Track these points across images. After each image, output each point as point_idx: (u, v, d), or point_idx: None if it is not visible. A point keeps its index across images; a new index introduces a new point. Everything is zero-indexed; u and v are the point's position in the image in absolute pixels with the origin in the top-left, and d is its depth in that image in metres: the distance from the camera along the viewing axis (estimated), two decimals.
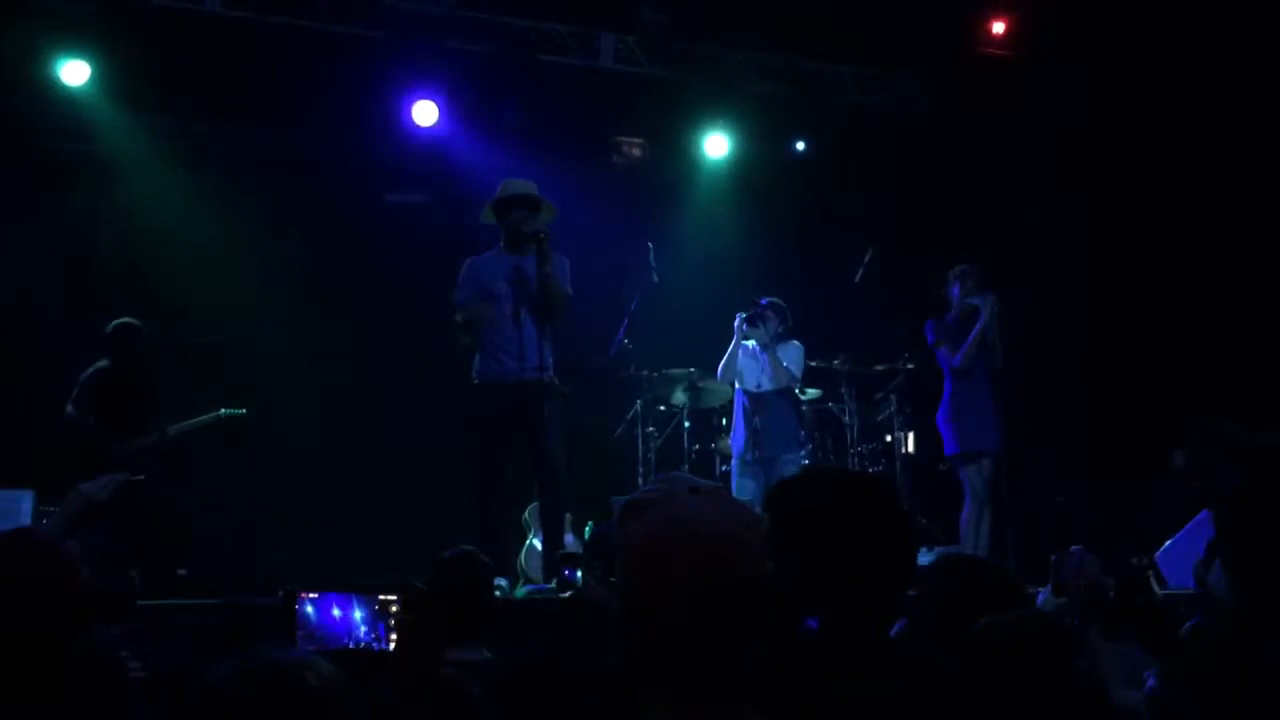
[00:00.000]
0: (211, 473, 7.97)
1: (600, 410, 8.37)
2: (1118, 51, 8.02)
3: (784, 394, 7.51)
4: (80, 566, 2.15)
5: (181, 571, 6.98)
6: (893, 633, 2.74)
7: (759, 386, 7.47)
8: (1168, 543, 5.90)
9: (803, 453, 7.90)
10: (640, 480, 8.23)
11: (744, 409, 7.50)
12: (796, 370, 7.50)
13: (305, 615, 1.95)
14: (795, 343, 7.58)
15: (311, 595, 1.95)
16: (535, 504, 6.70)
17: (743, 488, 7.28)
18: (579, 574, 5.68)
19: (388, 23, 8.00)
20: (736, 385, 7.55)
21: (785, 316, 7.54)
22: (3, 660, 2.03)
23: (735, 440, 7.58)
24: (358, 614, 1.99)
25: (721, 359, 7.53)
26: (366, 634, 1.96)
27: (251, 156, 8.34)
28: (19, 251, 7.77)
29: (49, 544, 2.14)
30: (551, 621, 5.40)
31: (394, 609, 1.99)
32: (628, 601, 1.66)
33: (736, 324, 7.44)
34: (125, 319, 6.79)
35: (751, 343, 7.55)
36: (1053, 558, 5.81)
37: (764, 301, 7.49)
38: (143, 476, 2.75)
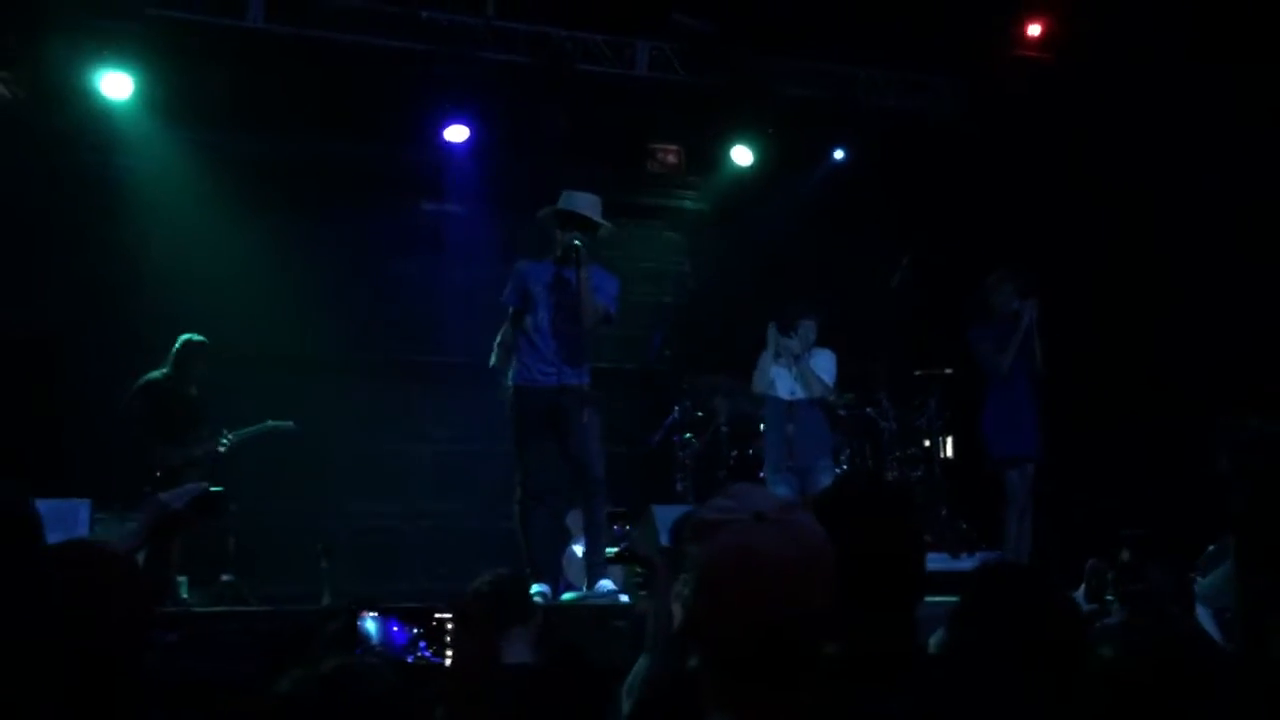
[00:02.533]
0: (250, 479, 8.08)
1: (639, 416, 8.41)
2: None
3: (818, 403, 7.45)
4: (145, 582, 2.15)
5: (226, 577, 7.10)
6: (932, 643, 2.75)
7: (793, 394, 7.42)
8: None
9: (840, 460, 7.89)
10: (678, 487, 8.27)
11: (778, 418, 7.46)
12: (829, 379, 7.44)
13: (366, 631, 1.99)
14: (827, 351, 7.52)
15: (372, 613, 2.00)
16: (575, 511, 6.75)
17: None
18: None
19: (425, 35, 8.06)
20: (770, 394, 7.50)
21: (818, 324, 7.49)
22: (65, 673, 2.06)
23: (769, 449, 7.55)
24: (415, 630, 2.04)
25: (756, 367, 7.52)
26: (424, 648, 2.01)
27: (293, 167, 8.43)
28: (68, 266, 7.89)
29: (118, 559, 2.14)
30: (591, 625, 5.46)
31: (449, 626, 2.04)
32: (692, 619, 1.68)
33: (770, 333, 7.42)
34: (193, 336, 6.93)
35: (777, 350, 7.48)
36: (1089, 563, 5.74)
37: (796, 310, 7.46)
38: (222, 488, 2.73)
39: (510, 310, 6.18)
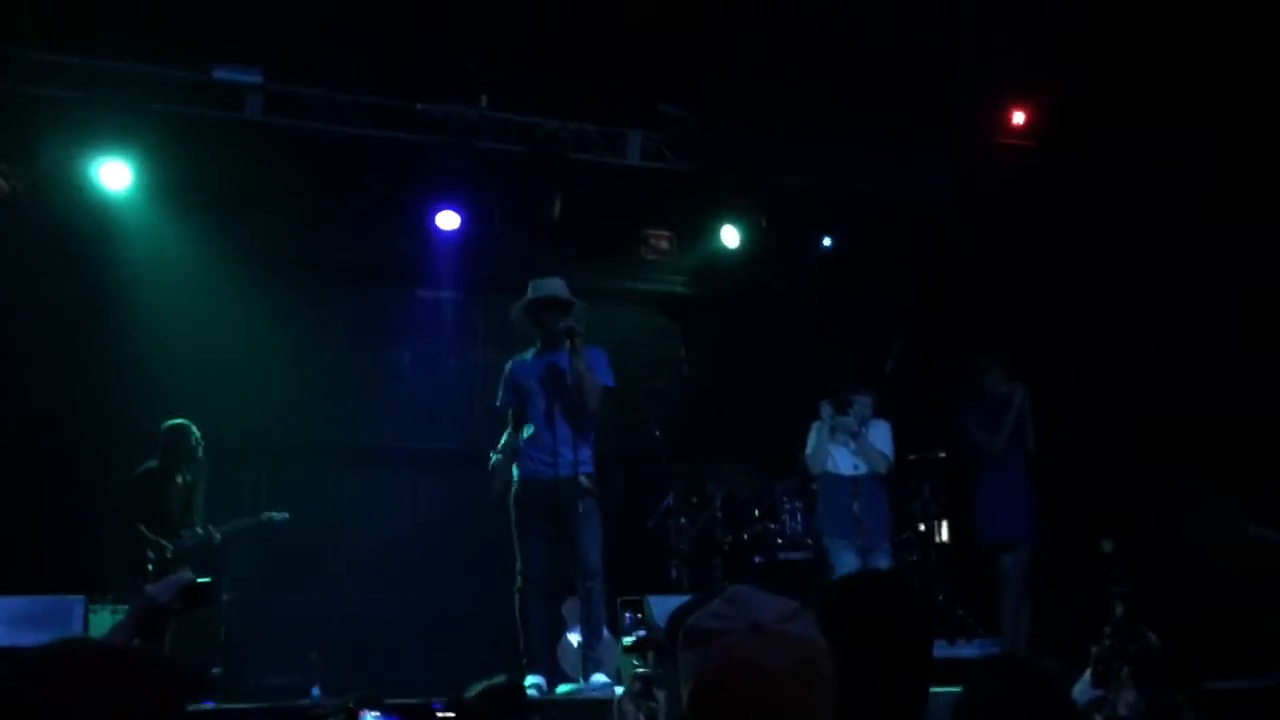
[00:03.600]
0: (242, 567, 8.03)
1: (633, 502, 8.39)
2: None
3: (878, 478, 7.36)
4: (185, 688, 2.00)
5: (215, 670, 7.02)
6: None
7: (856, 470, 7.29)
8: None
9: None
10: (673, 573, 8.23)
11: (843, 495, 7.26)
12: (888, 450, 7.36)
13: None
14: (883, 422, 7.45)
15: (373, 712, 1.99)
16: (571, 599, 6.71)
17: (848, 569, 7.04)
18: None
19: (421, 126, 8.18)
20: (831, 471, 7.33)
21: (874, 398, 7.43)
22: None
23: (833, 525, 7.32)
24: None
25: (807, 446, 7.39)
26: None
27: (289, 256, 8.50)
28: (62, 356, 7.90)
29: (156, 667, 1.90)
30: (590, 718, 5.41)
31: None
32: None
33: (823, 410, 7.33)
34: (176, 420, 6.95)
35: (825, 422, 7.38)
36: (1093, 649, 5.73)
37: (850, 385, 7.37)
38: (210, 579, 2.69)
39: (508, 413, 6.23)
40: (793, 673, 1.60)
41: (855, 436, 7.31)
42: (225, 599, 6.80)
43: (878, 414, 7.44)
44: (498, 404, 6.26)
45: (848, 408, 7.31)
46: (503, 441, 6.28)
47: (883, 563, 7.20)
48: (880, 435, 7.38)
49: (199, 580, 2.64)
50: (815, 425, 7.40)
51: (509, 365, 6.30)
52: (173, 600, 2.52)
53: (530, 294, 6.26)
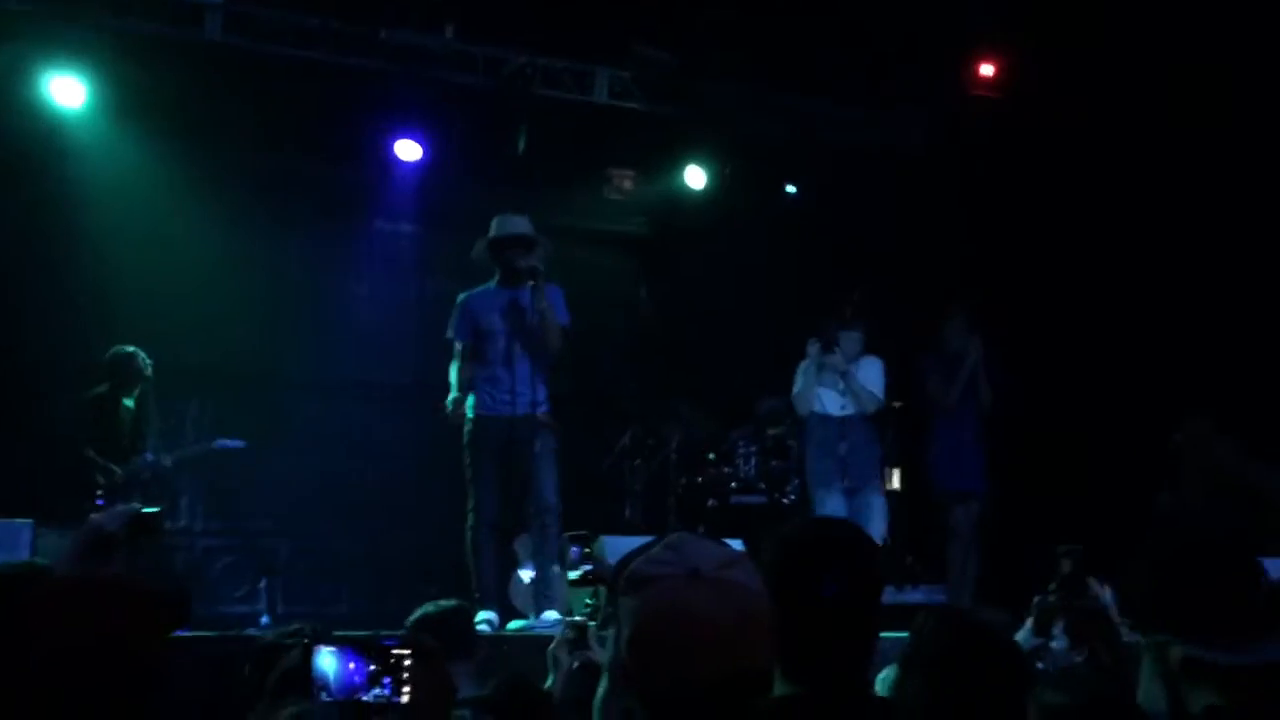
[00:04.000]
0: (195, 500, 7.99)
1: (590, 442, 8.40)
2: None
3: (868, 418, 7.24)
4: (174, 615, 1.95)
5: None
6: (879, 679, 2.77)
7: (844, 410, 7.18)
8: None
9: (788, 490, 7.89)
10: (628, 513, 8.28)
11: (828, 436, 7.19)
12: (878, 390, 7.21)
13: (322, 670, 1.98)
14: (875, 359, 7.27)
15: (328, 648, 1.99)
16: (524, 536, 6.72)
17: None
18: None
19: (385, 55, 8.04)
20: (817, 411, 7.25)
21: (864, 334, 7.24)
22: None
23: (817, 468, 7.25)
24: (372, 667, 2.03)
25: (794, 386, 7.29)
26: (387, 685, 2.00)
27: (248, 182, 8.35)
28: (10, 277, 7.74)
29: (147, 594, 1.91)
30: (539, 655, 5.44)
31: (407, 662, 2.03)
32: (625, 672, 1.68)
33: (810, 350, 7.21)
34: (124, 347, 6.84)
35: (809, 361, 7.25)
36: (1035, 599, 5.85)
37: (836, 325, 7.22)
38: (158, 509, 2.66)
39: (459, 346, 6.15)
40: (729, 619, 1.60)
41: (844, 375, 7.15)
42: (168, 528, 6.75)
43: (870, 350, 7.26)
44: (449, 334, 6.19)
45: (834, 345, 7.16)
46: (453, 376, 6.18)
47: (874, 501, 7.09)
48: (871, 374, 7.21)
49: (146, 509, 2.60)
50: (802, 365, 7.27)
51: (463, 297, 6.23)
52: (119, 529, 2.49)
53: (494, 231, 6.19)
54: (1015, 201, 8.73)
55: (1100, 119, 8.22)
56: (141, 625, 1.86)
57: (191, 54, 7.73)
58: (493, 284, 6.22)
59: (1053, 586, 4.94)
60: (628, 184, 9.70)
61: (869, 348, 7.28)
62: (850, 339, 7.20)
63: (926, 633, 2.59)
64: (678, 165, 9.20)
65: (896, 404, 8.11)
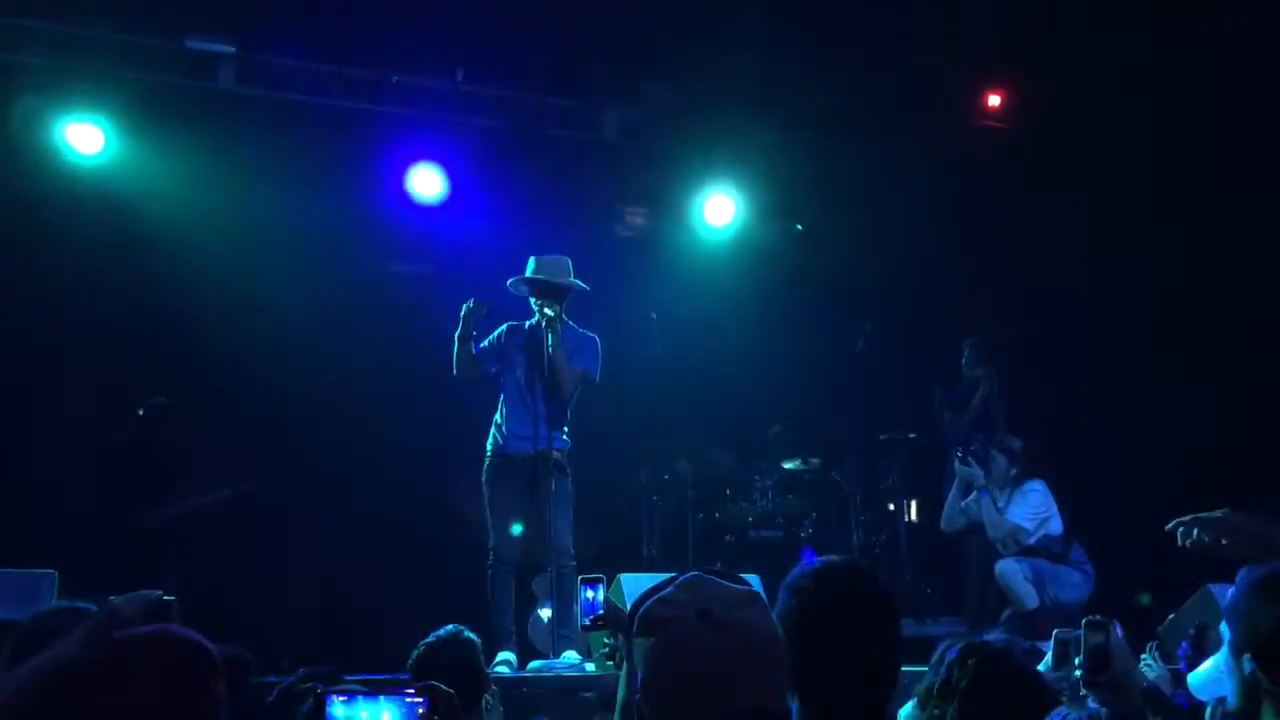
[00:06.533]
0: (209, 545, 7.98)
1: (606, 478, 8.38)
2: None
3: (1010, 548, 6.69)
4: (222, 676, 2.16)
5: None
6: (901, 716, 2.76)
7: (993, 537, 6.77)
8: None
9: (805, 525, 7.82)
10: (645, 549, 8.25)
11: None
12: (1027, 524, 6.65)
13: (334, 717, 1.99)
14: (1033, 486, 6.75)
15: (340, 698, 2.00)
16: (542, 575, 6.71)
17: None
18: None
19: (396, 99, 8.12)
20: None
21: (1015, 457, 6.79)
22: None
23: None
24: (385, 714, 2.04)
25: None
26: None
27: (264, 227, 8.41)
28: (42, 326, 7.79)
29: (197, 651, 2.15)
30: (559, 696, 5.42)
31: (420, 710, 2.04)
32: (640, 709, 1.70)
33: (954, 465, 6.95)
34: (158, 398, 6.88)
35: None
36: (1055, 633, 5.82)
37: (985, 439, 6.88)
38: (174, 599, 2.73)
39: (479, 345, 6.11)
40: (740, 659, 1.62)
41: (983, 489, 6.73)
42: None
43: (1033, 470, 6.76)
44: (484, 344, 6.19)
45: (973, 461, 6.79)
46: (456, 348, 6.07)
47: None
48: (1023, 504, 6.68)
49: (164, 598, 2.68)
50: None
51: (506, 325, 6.28)
52: (135, 615, 2.57)
53: (527, 272, 6.20)
54: (1025, 228, 8.74)
55: (1106, 146, 8.24)
56: (210, 684, 2.08)
57: (207, 101, 7.82)
58: (533, 319, 6.23)
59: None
60: (640, 220, 9.73)
61: (1032, 467, 6.66)
62: (998, 459, 6.72)
63: (950, 663, 2.61)
64: (690, 202, 9.22)
65: (911, 435, 8.12)
